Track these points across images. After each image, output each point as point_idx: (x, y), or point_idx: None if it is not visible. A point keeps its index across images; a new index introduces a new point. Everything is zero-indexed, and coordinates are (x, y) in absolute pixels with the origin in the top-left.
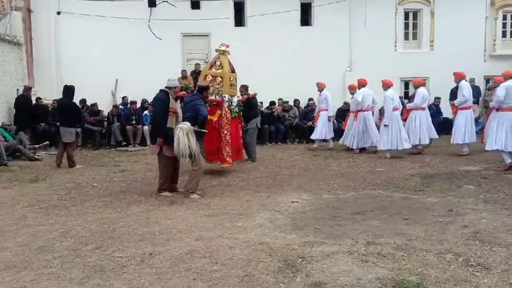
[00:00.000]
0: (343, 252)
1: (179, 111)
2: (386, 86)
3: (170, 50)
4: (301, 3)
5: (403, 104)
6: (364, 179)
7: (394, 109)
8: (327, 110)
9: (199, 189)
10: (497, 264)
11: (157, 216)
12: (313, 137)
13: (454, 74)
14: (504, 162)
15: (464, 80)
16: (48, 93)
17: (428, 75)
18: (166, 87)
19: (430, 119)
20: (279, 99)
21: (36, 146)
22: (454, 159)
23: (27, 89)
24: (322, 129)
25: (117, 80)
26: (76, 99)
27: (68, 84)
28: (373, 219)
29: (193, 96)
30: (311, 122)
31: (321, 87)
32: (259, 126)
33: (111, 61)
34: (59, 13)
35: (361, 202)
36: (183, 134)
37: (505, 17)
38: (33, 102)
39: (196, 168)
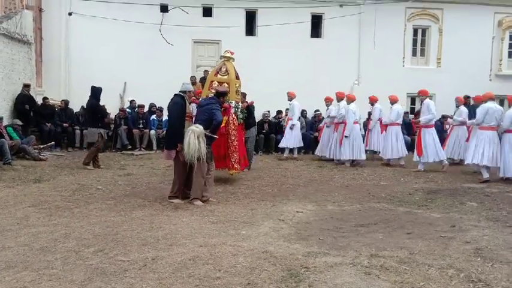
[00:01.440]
0: (347, 263)
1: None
2: (350, 99)
3: (180, 55)
4: (312, 15)
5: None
6: (369, 192)
7: (355, 122)
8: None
9: (215, 197)
10: (498, 281)
11: (161, 221)
12: (281, 145)
13: (419, 92)
14: (481, 176)
15: (429, 98)
16: (55, 93)
17: (434, 91)
18: (181, 91)
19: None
20: (286, 109)
21: (41, 146)
22: (458, 176)
23: (26, 86)
24: (290, 139)
25: (125, 83)
26: (83, 101)
27: (95, 86)
28: (377, 232)
29: (211, 100)
30: (317, 133)
31: (290, 97)
32: (257, 135)
33: (121, 64)
34: (70, 14)
35: (365, 215)
36: (195, 137)
37: (511, 38)
38: (40, 102)
39: (200, 173)
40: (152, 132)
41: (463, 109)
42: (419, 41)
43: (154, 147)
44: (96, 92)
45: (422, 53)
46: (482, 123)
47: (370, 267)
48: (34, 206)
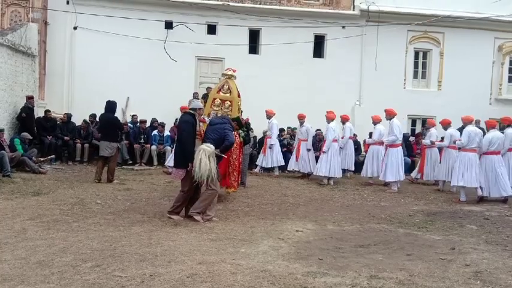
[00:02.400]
0: (346, 284)
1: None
2: (330, 118)
3: (184, 72)
4: (315, 36)
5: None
6: (369, 213)
7: (334, 140)
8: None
9: (216, 215)
10: None
11: (160, 237)
12: (258, 162)
13: (385, 111)
14: (459, 196)
15: (395, 118)
16: (58, 106)
17: (435, 114)
18: (191, 109)
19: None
20: (288, 127)
21: (42, 159)
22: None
23: (29, 98)
24: (270, 156)
25: (128, 97)
26: (85, 115)
27: (111, 100)
28: (377, 253)
29: (223, 120)
30: (319, 152)
31: (269, 115)
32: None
33: (124, 79)
34: (75, 28)
35: (365, 235)
36: (206, 156)
37: (511, 63)
38: (41, 114)
39: (210, 191)
40: (153, 147)
41: (434, 131)
42: (420, 63)
43: (155, 162)
44: (112, 106)
45: (424, 76)
46: (466, 146)
47: None
48: (32, 219)
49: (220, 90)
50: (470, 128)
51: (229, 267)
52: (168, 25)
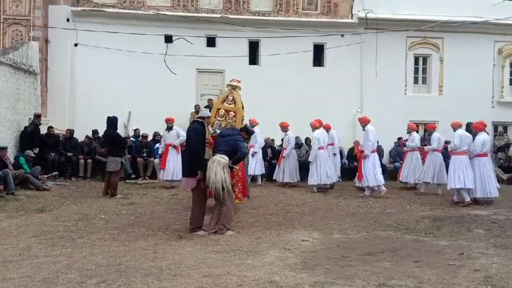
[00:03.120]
0: None
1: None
2: (314, 127)
3: (184, 85)
4: (314, 45)
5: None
6: (375, 220)
7: (320, 148)
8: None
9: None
10: None
11: (165, 251)
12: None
13: (359, 119)
14: (453, 198)
15: (369, 125)
16: (60, 123)
17: (437, 119)
18: (199, 118)
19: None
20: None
21: (45, 176)
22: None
23: (37, 117)
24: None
25: (130, 112)
26: (89, 131)
27: (111, 116)
28: (384, 260)
29: (233, 131)
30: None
31: (252, 124)
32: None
33: (125, 93)
34: (76, 45)
35: (372, 243)
36: (220, 167)
37: None
38: (44, 131)
39: (228, 204)
40: (156, 161)
41: (416, 135)
42: (420, 69)
43: (159, 175)
44: (113, 122)
45: (424, 81)
46: (457, 149)
47: None
48: (36, 236)
49: (224, 100)
50: (461, 131)
51: (236, 280)
52: (168, 39)
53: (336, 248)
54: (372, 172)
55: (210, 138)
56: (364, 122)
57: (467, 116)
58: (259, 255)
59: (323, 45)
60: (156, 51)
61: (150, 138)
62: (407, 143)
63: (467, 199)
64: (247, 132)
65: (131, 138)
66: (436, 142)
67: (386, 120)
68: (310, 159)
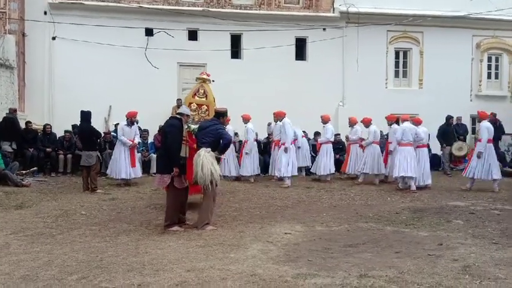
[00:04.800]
0: (336, 284)
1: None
2: (246, 119)
3: (166, 79)
4: (297, 39)
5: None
6: (357, 212)
7: (276, 141)
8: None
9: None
10: None
11: (147, 246)
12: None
13: (321, 117)
14: (398, 185)
15: (329, 122)
16: (39, 118)
17: (417, 112)
18: (178, 114)
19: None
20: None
21: (24, 172)
22: (443, 194)
23: (13, 111)
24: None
25: (110, 106)
26: (68, 125)
27: (84, 110)
28: (366, 252)
29: (213, 122)
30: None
31: (245, 120)
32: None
33: (106, 88)
34: (54, 38)
35: (354, 235)
36: (207, 160)
37: (490, 59)
38: (22, 126)
39: (207, 200)
40: (138, 155)
41: (358, 128)
42: (401, 62)
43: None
44: (86, 116)
45: (405, 75)
46: (402, 141)
47: (359, 287)
48: (15, 233)
49: (195, 94)
50: (405, 125)
51: (219, 273)
52: (149, 32)
53: (318, 240)
54: (285, 163)
55: (187, 135)
56: (279, 116)
57: (447, 110)
58: (242, 249)
59: (305, 39)
60: (137, 45)
61: None
62: (349, 136)
63: (413, 187)
64: (221, 115)
65: (112, 133)
66: (372, 135)
67: (368, 113)
68: (246, 151)
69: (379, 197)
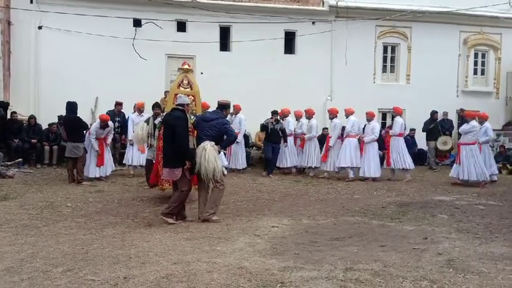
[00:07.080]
0: (322, 277)
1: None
2: (237, 109)
3: (154, 70)
4: (286, 32)
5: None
6: (343, 206)
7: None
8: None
9: (191, 215)
10: None
11: (134, 238)
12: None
13: (305, 111)
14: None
15: (313, 118)
16: (24, 108)
17: (404, 107)
18: (179, 105)
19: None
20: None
21: (8, 163)
22: (429, 189)
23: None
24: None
25: (97, 98)
26: (54, 116)
27: (71, 101)
28: (351, 245)
29: (218, 114)
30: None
31: (236, 110)
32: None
33: (92, 79)
34: (40, 27)
35: (340, 228)
36: (211, 153)
37: (476, 55)
38: (8, 116)
39: (221, 188)
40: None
41: (291, 120)
42: (389, 58)
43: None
44: (73, 107)
45: (392, 70)
46: (350, 133)
47: (345, 280)
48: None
49: (180, 85)
50: (354, 118)
51: (206, 266)
52: (137, 23)
53: (305, 234)
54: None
55: (192, 126)
56: (309, 114)
57: (433, 105)
58: (229, 242)
59: (294, 33)
60: (125, 36)
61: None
62: (296, 130)
63: (351, 175)
64: (224, 107)
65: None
66: (337, 130)
67: (355, 108)
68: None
69: (365, 191)
